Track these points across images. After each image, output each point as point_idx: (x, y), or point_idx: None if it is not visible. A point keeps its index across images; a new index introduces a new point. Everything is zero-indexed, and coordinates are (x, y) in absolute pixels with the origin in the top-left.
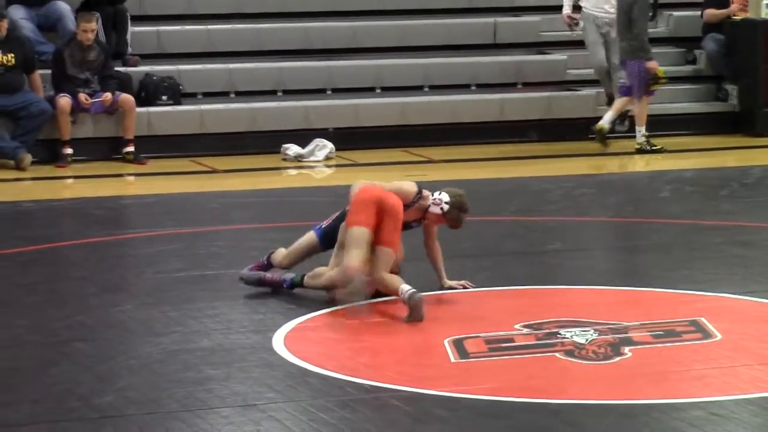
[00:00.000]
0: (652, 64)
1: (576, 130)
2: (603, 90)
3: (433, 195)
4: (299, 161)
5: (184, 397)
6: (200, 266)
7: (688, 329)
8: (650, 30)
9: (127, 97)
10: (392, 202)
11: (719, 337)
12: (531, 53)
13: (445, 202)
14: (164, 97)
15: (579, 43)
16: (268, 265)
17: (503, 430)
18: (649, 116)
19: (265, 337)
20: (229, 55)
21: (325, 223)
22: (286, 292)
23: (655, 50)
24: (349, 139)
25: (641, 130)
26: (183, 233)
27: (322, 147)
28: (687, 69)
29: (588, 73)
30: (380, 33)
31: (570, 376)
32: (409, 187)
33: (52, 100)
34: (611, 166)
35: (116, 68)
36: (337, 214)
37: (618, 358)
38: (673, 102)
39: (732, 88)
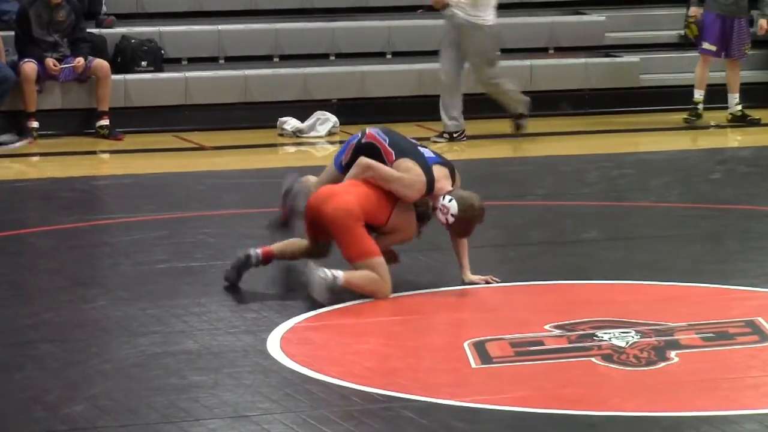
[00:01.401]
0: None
1: (615, 101)
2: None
3: (444, 198)
4: (298, 137)
5: (166, 407)
6: (185, 257)
7: (742, 331)
8: None
9: (101, 63)
10: (329, 210)
11: None
12: (565, 13)
13: (452, 215)
14: (144, 63)
15: (619, 2)
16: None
17: None
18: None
19: (259, 338)
20: (218, 15)
21: (344, 159)
22: (279, 289)
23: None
24: (355, 111)
25: (735, 98)
26: (165, 219)
27: (324, 121)
28: None
29: (631, 36)
30: None
31: (608, 385)
32: (417, 186)
33: (15, 66)
34: (655, 143)
35: (89, 30)
36: (354, 143)
37: (663, 364)
38: (725, 70)
39: None
